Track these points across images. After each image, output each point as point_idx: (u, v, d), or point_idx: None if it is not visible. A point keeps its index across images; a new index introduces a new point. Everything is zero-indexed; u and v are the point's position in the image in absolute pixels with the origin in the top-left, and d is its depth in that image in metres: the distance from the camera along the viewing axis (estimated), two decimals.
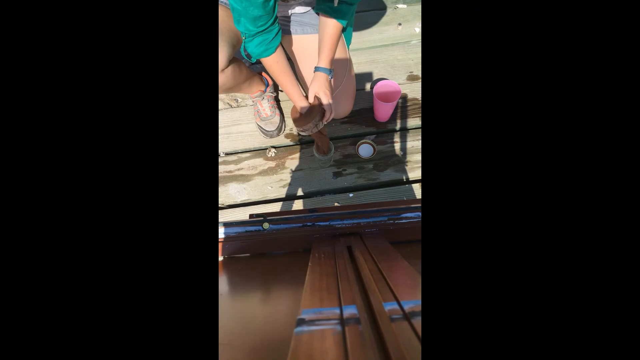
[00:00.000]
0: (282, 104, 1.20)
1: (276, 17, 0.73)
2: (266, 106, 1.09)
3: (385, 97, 1.10)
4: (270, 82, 1.12)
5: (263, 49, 0.75)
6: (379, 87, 1.08)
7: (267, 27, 0.72)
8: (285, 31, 0.97)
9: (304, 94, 0.85)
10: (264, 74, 1.11)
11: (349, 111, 1.09)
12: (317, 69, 0.83)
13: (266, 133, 1.12)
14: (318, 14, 0.85)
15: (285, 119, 1.17)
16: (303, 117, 0.83)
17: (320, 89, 0.81)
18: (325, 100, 0.82)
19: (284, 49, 0.84)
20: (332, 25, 0.81)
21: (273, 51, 0.77)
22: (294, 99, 0.84)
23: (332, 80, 0.85)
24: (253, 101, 1.11)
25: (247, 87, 1.01)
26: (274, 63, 0.79)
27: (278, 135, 1.13)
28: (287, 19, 0.96)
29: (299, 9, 0.94)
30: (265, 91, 1.09)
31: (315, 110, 0.82)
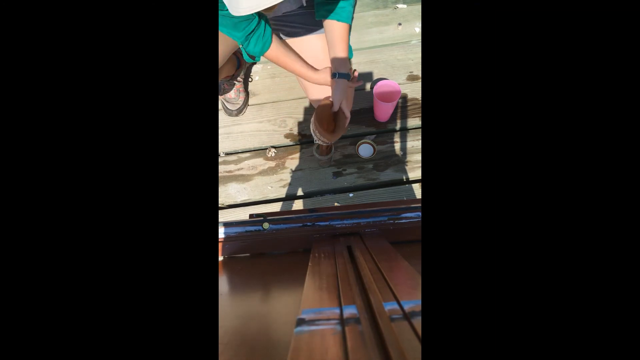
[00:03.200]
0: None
1: (260, 16, 0.74)
2: (232, 89, 1.12)
3: (385, 97, 1.09)
4: (242, 64, 1.13)
5: (262, 45, 0.78)
6: (379, 87, 1.08)
7: (254, 28, 0.73)
8: (276, 32, 0.96)
9: (311, 68, 0.85)
10: (237, 54, 1.13)
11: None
12: (336, 75, 0.83)
13: (226, 110, 1.17)
14: (321, 21, 0.85)
15: (250, 99, 1.20)
16: (334, 132, 0.83)
17: (343, 97, 0.82)
18: (348, 112, 0.84)
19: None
20: (336, 27, 0.81)
21: (270, 42, 0.79)
22: (304, 75, 0.86)
23: (350, 82, 0.85)
24: (220, 80, 1.12)
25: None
26: (275, 49, 0.81)
27: (237, 116, 1.17)
28: (278, 19, 0.95)
29: (287, 7, 0.93)
30: (233, 75, 1.10)
31: (343, 121, 0.82)
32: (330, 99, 0.84)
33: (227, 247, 0.46)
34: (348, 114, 0.84)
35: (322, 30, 0.94)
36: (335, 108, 0.83)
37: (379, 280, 0.28)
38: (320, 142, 0.85)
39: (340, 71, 0.83)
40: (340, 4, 0.79)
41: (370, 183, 1.08)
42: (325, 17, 0.81)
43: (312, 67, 0.86)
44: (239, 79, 1.13)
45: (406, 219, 0.46)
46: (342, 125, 0.82)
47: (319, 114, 0.83)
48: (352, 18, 0.82)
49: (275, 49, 0.81)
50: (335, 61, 0.84)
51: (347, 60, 0.84)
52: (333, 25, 0.81)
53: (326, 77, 0.86)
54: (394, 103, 1.05)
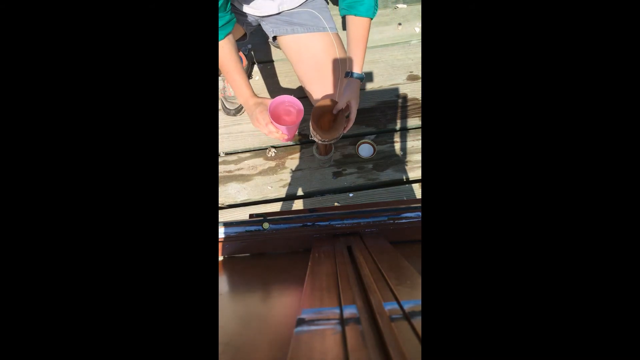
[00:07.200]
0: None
1: (230, 9, 0.72)
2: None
3: (283, 117, 0.85)
4: (245, 62, 1.13)
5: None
6: (276, 105, 0.81)
7: (220, 5, 0.69)
8: (277, 32, 0.95)
9: (250, 89, 0.80)
10: (240, 52, 1.12)
11: None
12: (352, 75, 0.80)
13: (225, 110, 1.16)
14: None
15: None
16: (332, 130, 0.81)
17: (353, 98, 0.80)
18: (355, 111, 0.81)
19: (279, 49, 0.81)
20: (354, 23, 0.78)
21: (221, 38, 0.74)
22: (236, 89, 0.80)
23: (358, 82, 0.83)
24: (221, 77, 1.10)
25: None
26: (226, 44, 0.75)
27: (235, 115, 1.16)
28: (275, 17, 0.93)
29: (289, 4, 0.90)
30: None
31: (342, 121, 0.80)
32: (330, 98, 0.83)
33: (227, 247, 0.46)
34: (353, 116, 0.82)
35: (322, 29, 0.92)
36: (341, 106, 0.80)
37: (379, 280, 0.28)
38: (316, 140, 0.84)
39: (355, 71, 0.80)
40: None
41: (370, 183, 1.08)
42: (345, 13, 0.79)
43: (246, 85, 0.79)
44: None
45: (406, 219, 0.46)
46: (340, 125, 0.81)
47: (317, 111, 0.82)
48: (375, 10, 0.78)
49: (226, 43, 0.74)
50: (350, 59, 0.81)
51: (363, 59, 0.81)
52: (351, 21, 0.78)
53: (256, 105, 0.79)
54: (296, 125, 0.81)
